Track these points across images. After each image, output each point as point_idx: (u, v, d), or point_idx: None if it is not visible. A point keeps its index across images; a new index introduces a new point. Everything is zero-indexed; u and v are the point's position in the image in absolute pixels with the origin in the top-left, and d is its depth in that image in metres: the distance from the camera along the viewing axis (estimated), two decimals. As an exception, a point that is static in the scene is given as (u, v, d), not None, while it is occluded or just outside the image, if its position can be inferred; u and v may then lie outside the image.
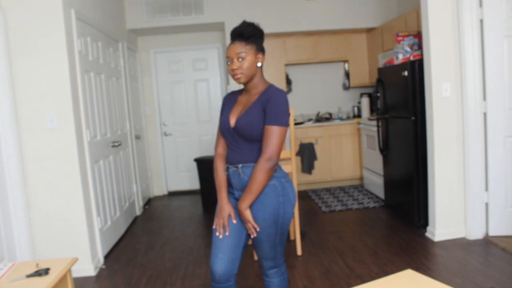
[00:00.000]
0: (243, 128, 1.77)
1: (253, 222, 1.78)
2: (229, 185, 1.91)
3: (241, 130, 1.78)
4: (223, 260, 1.80)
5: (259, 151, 1.79)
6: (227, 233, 1.83)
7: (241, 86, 1.92)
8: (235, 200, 1.90)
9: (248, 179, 1.80)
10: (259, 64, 1.82)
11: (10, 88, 2.96)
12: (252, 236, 1.82)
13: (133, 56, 5.44)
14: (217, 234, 1.84)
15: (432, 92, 3.36)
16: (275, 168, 1.78)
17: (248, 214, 1.77)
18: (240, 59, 1.77)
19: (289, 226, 1.89)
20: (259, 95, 1.82)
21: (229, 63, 1.80)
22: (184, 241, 3.87)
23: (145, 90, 5.85)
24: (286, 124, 1.75)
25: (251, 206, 1.79)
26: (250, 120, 1.76)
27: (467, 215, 3.41)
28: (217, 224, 1.86)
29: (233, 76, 1.79)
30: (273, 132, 1.72)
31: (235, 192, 1.88)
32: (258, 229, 1.79)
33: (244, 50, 1.77)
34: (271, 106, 1.73)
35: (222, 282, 1.81)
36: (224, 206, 1.85)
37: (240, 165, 1.82)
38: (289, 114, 1.79)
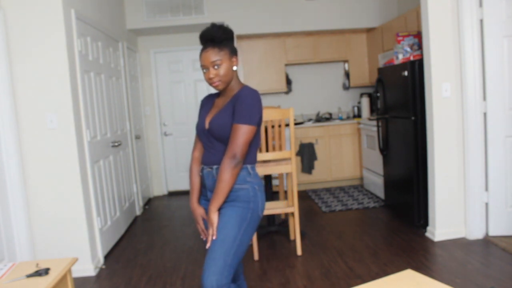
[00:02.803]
0: (215, 129, 1.77)
1: (215, 228, 1.70)
2: (203, 186, 1.91)
3: (213, 131, 1.78)
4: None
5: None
6: (207, 236, 1.85)
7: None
8: (208, 202, 1.90)
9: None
10: (234, 68, 1.81)
11: (10, 88, 2.96)
12: (207, 246, 1.73)
13: (133, 56, 5.44)
14: (201, 236, 1.89)
15: (432, 92, 3.36)
16: (240, 167, 1.72)
17: (214, 217, 1.71)
18: (216, 67, 1.75)
19: (248, 244, 1.77)
20: (232, 97, 1.81)
21: (204, 71, 1.78)
22: (184, 241, 3.87)
23: (145, 90, 5.85)
24: (254, 123, 1.72)
25: (221, 210, 1.75)
26: (221, 121, 1.76)
27: (467, 215, 3.41)
28: (198, 229, 1.91)
29: (211, 84, 1.78)
30: (239, 130, 1.70)
31: (208, 193, 1.88)
32: (215, 238, 1.69)
33: (218, 57, 1.74)
34: (239, 104, 1.72)
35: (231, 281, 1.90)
36: (195, 210, 1.90)
37: (214, 167, 1.81)
38: (259, 114, 1.75)
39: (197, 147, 1.95)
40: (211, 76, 1.76)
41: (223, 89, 1.82)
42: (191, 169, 1.95)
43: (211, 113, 1.86)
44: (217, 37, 1.75)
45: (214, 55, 1.74)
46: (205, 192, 1.90)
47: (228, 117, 1.75)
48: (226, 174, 1.69)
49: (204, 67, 1.78)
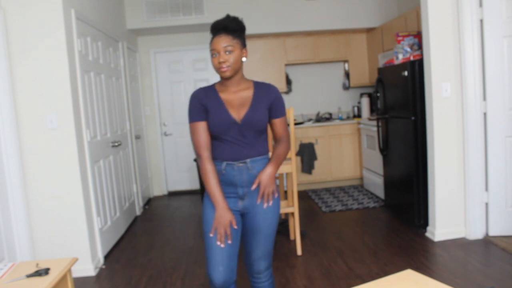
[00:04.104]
0: (255, 122, 1.80)
1: (275, 188, 1.86)
2: (227, 184, 1.84)
3: (253, 124, 1.80)
4: (224, 271, 1.79)
5: (264, 143, 1.89)
6: (229, 241, 1.79)
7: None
8: (236, 199, 1.85)
9: (256, 172, 1.84)
10: (244, 59, 1.83)
11: (10, 88, 2.96)
12: (264, 206, 1.84)
13: (133, 56, 5.44)
14: (218, 243, 1.78)
15: (432, 92, 3.36)
16: None
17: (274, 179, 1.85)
18: (227, 53, 1.75)
19: None
20: (253, 90, 1.85)
21: (214, 55, 1.77)
22: (184, 241, 3.87)
23: (145, 90, 5.85)
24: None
25: (259, 200, 1.85)
26: (259, 114, 1.81)
27: (467, 215, 3.41)
28: (218, 234, 1.78)
29: (219, 69, 1.76)
30: (284, 122, 1.91)
31: (239, 189, 1.84)
32: (276, 195, 1.87)
33: (231, 44, 1.75)
34: (278, 101, 1.88)
35: None
36: (225, 213, 1.78)
37: (248, 160, 1.82)
38: None
39: (205, 146, 1.82)
40: (222, 60, 1.74)
41: (228, 78, 1.80)
42: (208, 171, 1.80)
43: (233, 107, 1.81)
44: (230, 27, 1.77)
45: (227, 40, 1.75)
46: (232, 189, 1.84)
47: (264, 111, 1.83)
48: (286, 153, 1.91)
49: (215, 51, 1.76)
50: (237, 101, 1.82)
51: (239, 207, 1.86)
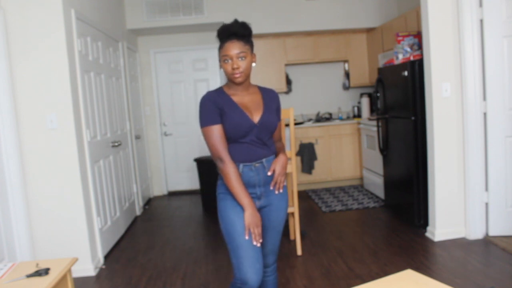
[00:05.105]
0: (270, 124, 1.86)
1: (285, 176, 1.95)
2: (248, 185, 1.85)
3: (269, 125, 1.86)
4: (260, 269, 1.77)
5: (273, 143, 1.97)
6: (261, 240, 1.80)
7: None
8: (254, 199, 1.86)
9: (267, 171, 1.89)
10: (253, 64, 1.86)
11: (10, 88, 2.96)
12: (276, 192, 1.90)
13: (133, 56, 5.44)
14: (255, 243, 1.77)
15: (432, 92, 3.36)
16: None
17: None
18: (240, 59, 1.77)
19: None
20: (261, 94, 1.92)
21: (227, 61, 1.78)
22: (184, 241, 3.87)
23: (145, 90, 5.85)
24: None
25: (275, 196, 1.91)
26: (272, 116, 1.89)
27: (467, 215, 3.41)
28: (253, 234, 1.76)
29: (232, 75, 1.78)
30: (280, 125, 2.05)
31: (257, 189, 1.87)
32: (281, 190, 1.93)
33: (244, 50, 1.78)
34: (279, 106, 1.98)
35: None
36: (256, 213, 1.78)
37: (264, 160, 1.87)
38: None
39: (225, 148, 1.80)
40: (236, 66, 1.76)
41: (240, 83, 1.82)
42: (234, 173, 1.78)
43: (250, 109, 1.85)
44: (239, 32, 1.78)
45: (240, 47, 1.78)
46: (251, 190, 1.85)
47: (274, 114, 1.91)
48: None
49: (227, 57, 1.78)
50: (251, 104, 1.87)
51: (256, 206, 1.88)
